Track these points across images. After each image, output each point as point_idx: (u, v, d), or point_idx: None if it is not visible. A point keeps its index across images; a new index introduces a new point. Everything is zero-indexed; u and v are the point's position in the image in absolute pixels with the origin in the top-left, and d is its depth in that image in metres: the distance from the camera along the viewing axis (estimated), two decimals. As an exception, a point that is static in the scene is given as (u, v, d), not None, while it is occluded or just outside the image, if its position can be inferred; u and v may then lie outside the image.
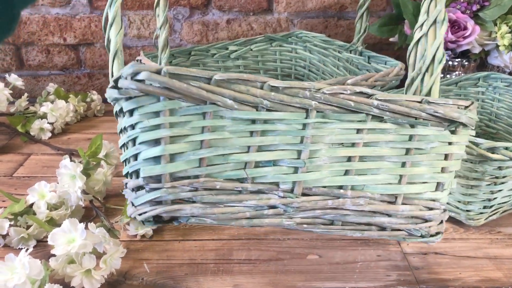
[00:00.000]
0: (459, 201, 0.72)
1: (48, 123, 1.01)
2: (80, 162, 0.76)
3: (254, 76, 0.39)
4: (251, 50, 1.14)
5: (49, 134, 1.02)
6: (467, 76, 0.96)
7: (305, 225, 0.43)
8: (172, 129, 0.39)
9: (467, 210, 0.72)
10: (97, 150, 0.78)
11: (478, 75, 0.97)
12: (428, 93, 0.49)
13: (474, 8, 0.98)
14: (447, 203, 0.74)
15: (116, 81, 0.39)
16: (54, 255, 0.56)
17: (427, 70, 0.51)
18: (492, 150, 0.65)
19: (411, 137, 0.44)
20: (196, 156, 0.39)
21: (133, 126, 0.40)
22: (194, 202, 0.40)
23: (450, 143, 0.46)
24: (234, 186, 0.40)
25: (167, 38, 0.84)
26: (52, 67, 1.22)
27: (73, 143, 1.01)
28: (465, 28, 0.97)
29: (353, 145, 0.43)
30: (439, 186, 0.47)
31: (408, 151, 0.45)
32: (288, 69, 1.19)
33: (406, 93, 0.60)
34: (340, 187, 0.43)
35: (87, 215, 0.75)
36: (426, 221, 0.47)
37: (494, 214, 0.74)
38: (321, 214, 0.43)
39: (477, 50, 1.01)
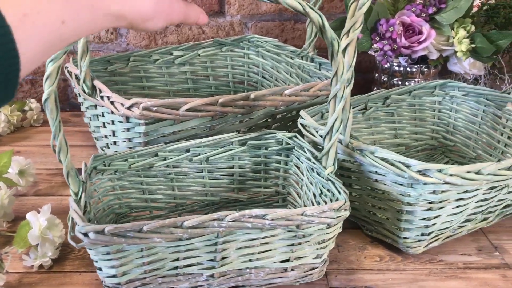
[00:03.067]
0: (395, 227, 0.65)
1: (-26, 135, 0.94)
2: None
3: (174, 220, 0.50)
4: (199, 55, 1.06)
5: (-25, 147, 0.94)
6: (422, 85, 0.89)
7: (223, 291, 0.60)
8: (120, 260, 0.53)
9: (404, 237, 0.64)
10: (3, 169, 0.71)
11: (434, 83, 0.90)
12: (327, 153, 0.61)
13: (430, 10, 0.91)
14: (385, 229, 0.67)
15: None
16: None
17: (327, 134, 0.61)
18: (425, 172, 0.58)
19: (296, 234, 0.56)
20: (141, 270, 0.54)
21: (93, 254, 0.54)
22: None
23: (327, 233, 0.57)
24: (171, 279, 0.56)
25: (86, 44, 0.77)
26: (-9, 74, 1.14)
27: (0, 157, 0.93)
28: (420, 33, 0.90)
29: (253, 246, 0.56)
30: (319, 255, 0.59)
31: (294, 242, 0.56)
32: (241, 76, 1.11)
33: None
34: (247, 268, 0.58)
35: (-13, 241, 0.67)
36: (310, 274, 0.61)
37: (435, 241, 0.66)
38: (234, 284, 0.59)
39: (434, 56, 0.93)
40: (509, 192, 0.66)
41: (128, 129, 0.73)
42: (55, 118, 0.52)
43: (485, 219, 0.70)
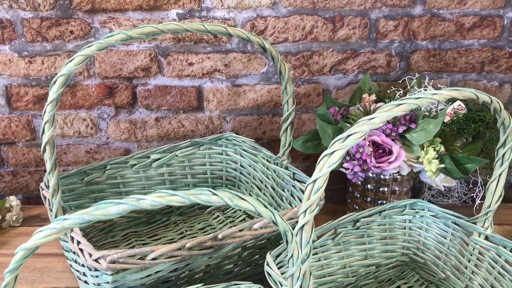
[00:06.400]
0: None
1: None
2: None
3: None
4: (177, 156, 1.08)
5: (-47, 259, 0.95)
6: (391, 204, 0.90)
7: None
8: None
9: None
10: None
11: (404, 202, 0.91)
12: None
13: (401, 130, 0.92)
14: None
15: None
16: None
17: None
18: None
19: None
20: None
21: None
22: None
23: None
24: None
25: (58, 183, 0.78)
26: (-27, 166, 1.16)
27: (-22, 268, 0.94)
28: (390, 153, 0.91)
29: None
30: None
31: None
32: (219, 171, 1.13)
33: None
34: None
35: None
36: None
37: None
38: None
39: (405, 171, 0.95)
40: None
41: (96, 276, 0.74)
42: None
43: None
